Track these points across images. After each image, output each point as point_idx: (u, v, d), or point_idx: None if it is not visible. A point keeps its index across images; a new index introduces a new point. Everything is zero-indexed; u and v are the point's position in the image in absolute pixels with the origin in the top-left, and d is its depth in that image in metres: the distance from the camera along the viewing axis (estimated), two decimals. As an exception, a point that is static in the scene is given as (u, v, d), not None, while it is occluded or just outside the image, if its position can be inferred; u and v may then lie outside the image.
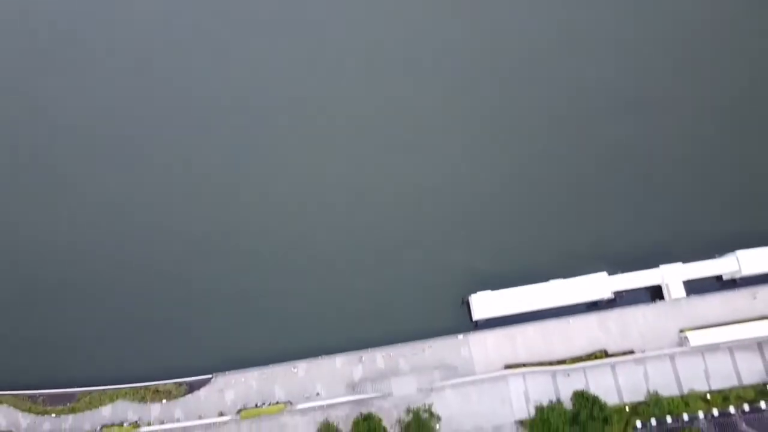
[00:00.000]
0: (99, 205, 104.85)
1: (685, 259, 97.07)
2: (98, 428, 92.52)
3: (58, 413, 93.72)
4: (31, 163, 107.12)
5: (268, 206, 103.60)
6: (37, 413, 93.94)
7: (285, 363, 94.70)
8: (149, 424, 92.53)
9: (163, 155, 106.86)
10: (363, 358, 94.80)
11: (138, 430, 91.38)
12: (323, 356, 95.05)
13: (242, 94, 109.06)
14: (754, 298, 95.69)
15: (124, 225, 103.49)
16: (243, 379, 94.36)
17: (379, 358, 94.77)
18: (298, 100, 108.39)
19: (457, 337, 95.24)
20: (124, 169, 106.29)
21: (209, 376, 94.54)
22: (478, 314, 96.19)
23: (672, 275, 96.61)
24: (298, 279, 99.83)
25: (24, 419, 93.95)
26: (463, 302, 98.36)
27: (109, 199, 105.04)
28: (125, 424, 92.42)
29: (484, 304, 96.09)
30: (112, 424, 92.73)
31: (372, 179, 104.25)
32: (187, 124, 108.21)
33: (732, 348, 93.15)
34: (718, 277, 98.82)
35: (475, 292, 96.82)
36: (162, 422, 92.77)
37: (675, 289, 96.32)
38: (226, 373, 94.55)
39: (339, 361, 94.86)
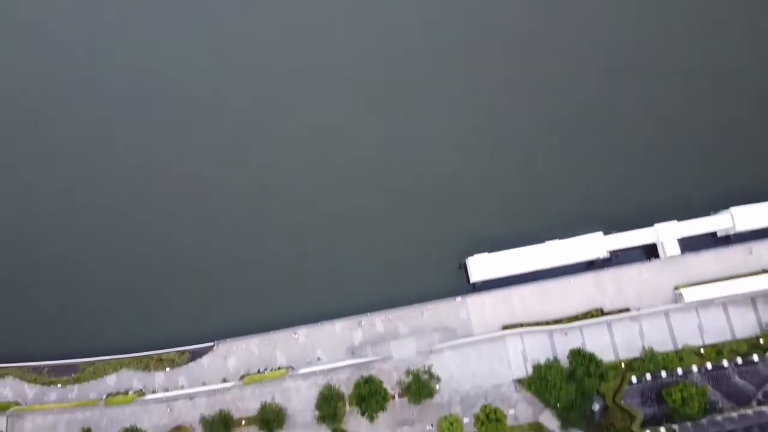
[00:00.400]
0: (96, 174, 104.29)
1: (680, 217, 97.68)
2: (104, 397, 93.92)
3: (64, 383, 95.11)
4: (29, 136, 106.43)
5: (267, 174, 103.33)
6: (43, 384, 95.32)
7: (285, 329, 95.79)
8: (154, 392, 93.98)
9: (165, 124, 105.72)
10: (362, 323, 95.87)
11: (143, 397, 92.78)
12: (323, 322, 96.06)
13: (237, 65, 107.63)
14: (750, 253, 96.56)
15: (124, 195, 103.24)
16: (244, 346, 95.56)
17: (378, 322, 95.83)
18: (295, 63, 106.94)
19: (455, 300, 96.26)
20: (124, 137, 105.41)
21: (211, 343, 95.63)
22: (475, 276, 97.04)
23: (667, 233, 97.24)
24: (297, 246, 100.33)
25: (30, 390, 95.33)
26: (460, 265, 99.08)
27: (107, 168, 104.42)
28: (130, 392, 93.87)
29: (481, 266, 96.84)
30: (118, 393, 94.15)
31: (368, 144, 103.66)
32: (187, 87, 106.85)
33: (725, 303, 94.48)
34: (713, 234, 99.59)
35: (472, 254, 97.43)
36: (166, 389, 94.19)
37: (670, 247, 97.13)
38: (228, 340, 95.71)
39: (339, 326, 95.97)
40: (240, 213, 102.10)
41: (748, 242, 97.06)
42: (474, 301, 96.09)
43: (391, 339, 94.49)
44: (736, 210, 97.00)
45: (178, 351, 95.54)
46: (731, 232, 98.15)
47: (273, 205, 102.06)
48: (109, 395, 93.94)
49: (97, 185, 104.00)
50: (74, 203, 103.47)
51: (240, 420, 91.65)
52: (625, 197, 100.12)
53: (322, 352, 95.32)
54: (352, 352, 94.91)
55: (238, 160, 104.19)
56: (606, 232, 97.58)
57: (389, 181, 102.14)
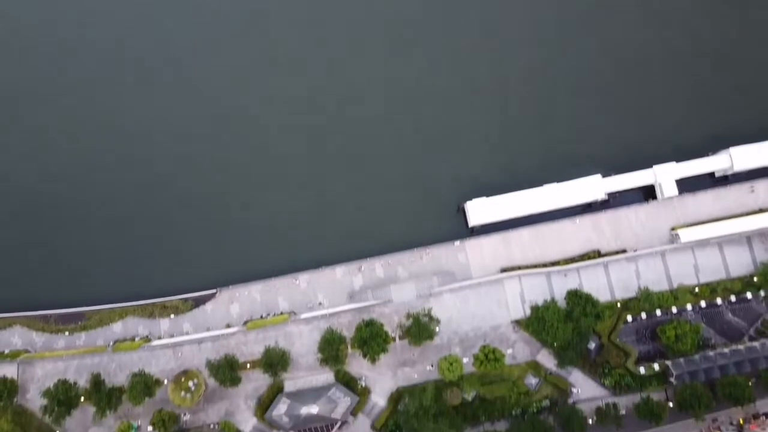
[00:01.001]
0: (100, 124, 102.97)
1: (679, 159, 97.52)
2: (111, 343, 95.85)
3: (71, 331, 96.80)
4: (34, 77, 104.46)
5: (266, 122, 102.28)
6: (51, 332, 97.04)
7: (287, 275, 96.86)
8: (160, 338, 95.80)
9: (166, 74, 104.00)
10: (362, 268, 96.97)
11: (150, 343, 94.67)
12: (324, 267, 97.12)
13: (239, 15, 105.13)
14: (752, 191, 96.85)
15: (127, 145, 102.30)
16: (247, 293, 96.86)
17: (378, 266, 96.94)
18: (289, 9, 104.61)
19: (453, 244, 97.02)
20: (127, 91, 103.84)
21: (213, 291, 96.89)
22: (473, 221, 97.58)
23: (665, 175, 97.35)
24: (296, 193, 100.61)
25: (38, 338, 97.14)
26: (458, 209, 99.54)
27: (110, 119, 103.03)
28: (137, 339, 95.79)
29: (479, 210, 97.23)
30: (124, 339, 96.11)
31: (366, 90, 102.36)
32: (189, 41, 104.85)
33: (721, 243, 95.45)
34: (710, 175, 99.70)
35: (470, 199, 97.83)
36: (172, 335, 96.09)
37: (668, 189, 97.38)
38: (230, 287, 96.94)
39: (339, 271, 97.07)
40: (241, 161, 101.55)
41: (747, 182, 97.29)
42: (472, 244, 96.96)
43: (391, 283, 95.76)
44: (735, 150, 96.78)
45: (182, 298, 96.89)
46: (729, 173, 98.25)
47: (274, 152, 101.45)
48: (116, 342, 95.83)
49: (99, 134, 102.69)
50: (77, 152, 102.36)
51: (245, 363, 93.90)
52: (623, 139, 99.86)
53: (323, 297, 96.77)
54: (353, 296, 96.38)
55: (238, 108, 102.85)
56: (604, 175, 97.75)
57: (388, 127, 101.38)
